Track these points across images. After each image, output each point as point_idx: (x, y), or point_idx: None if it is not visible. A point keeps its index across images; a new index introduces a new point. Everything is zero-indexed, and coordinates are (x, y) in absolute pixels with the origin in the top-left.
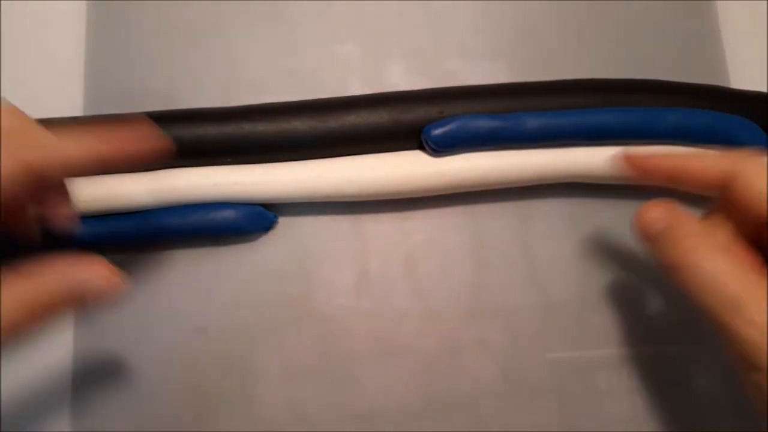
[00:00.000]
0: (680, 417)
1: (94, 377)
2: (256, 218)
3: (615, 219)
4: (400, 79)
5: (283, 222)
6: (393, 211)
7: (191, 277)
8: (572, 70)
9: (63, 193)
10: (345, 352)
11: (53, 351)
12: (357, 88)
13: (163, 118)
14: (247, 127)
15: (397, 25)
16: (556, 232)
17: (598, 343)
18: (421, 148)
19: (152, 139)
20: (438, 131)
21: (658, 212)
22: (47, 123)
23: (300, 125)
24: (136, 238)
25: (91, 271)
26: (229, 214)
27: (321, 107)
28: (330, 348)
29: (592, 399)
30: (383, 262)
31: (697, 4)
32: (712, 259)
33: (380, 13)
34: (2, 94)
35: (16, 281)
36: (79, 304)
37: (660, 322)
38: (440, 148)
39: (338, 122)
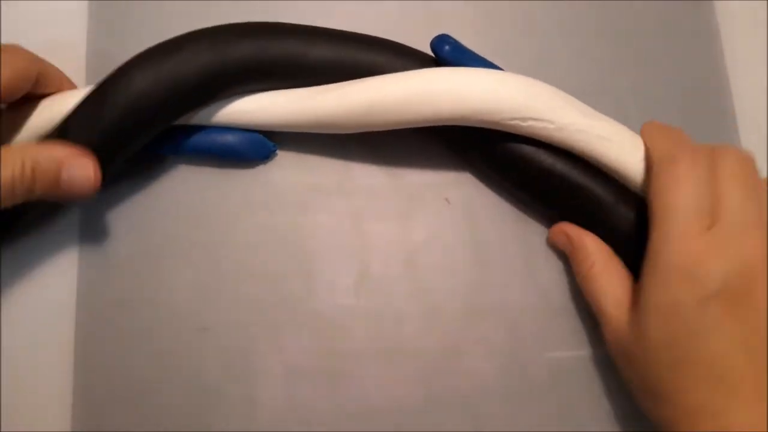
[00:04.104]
0: None
1: (94, 376)
2: (255, 145)
3: None
4: None
5: (284, 222)
6: (393, 211)
7: (192, 276)
8: (572, 70)
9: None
10: (345, 352)
11: (54, 350)
12: None
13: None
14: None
15: (397, 25)
16: None
17: (598, 343)
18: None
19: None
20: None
21: (561, 238)
22: None
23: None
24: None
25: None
26: (229, 138)
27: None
28: (330, 348)
29: (592, 399)
30: (383, 262)
31: (697, 4)
32: (602, 281)
33: (380, 14)
34: None
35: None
36: (60, 186)
37: None
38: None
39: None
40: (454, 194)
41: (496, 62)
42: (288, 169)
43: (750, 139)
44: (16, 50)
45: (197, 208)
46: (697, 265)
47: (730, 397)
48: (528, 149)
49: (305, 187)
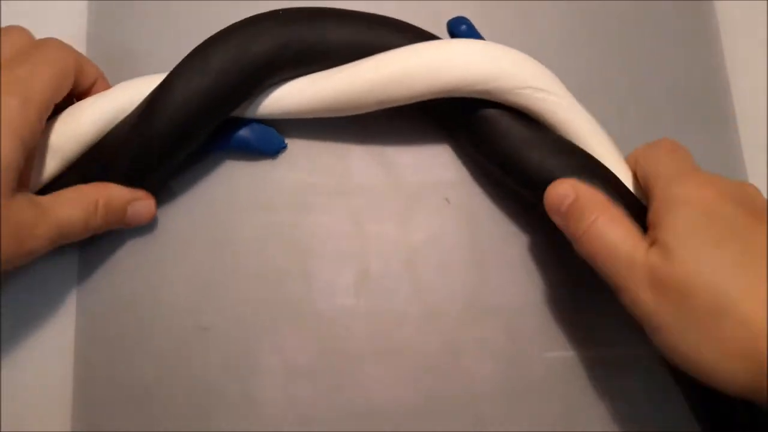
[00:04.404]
0: (681, 416)
1: (94, 376)
2: (268, 138)
3: None
4: None
5: (284, 222)
6: (393, 211)
7: (192, 275)
8: (572, 70)
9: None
10: (345, 352)
11: (54, 350)
12: None
13: None
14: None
15: None
16: (556, 231)
17: (598, 343)
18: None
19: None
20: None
21: (565, 188)
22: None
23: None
24: None
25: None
26: (243, 130)
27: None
28: (330, 348)
29: (591, 399)
30: (383, 262)
31: (697, 4)
32: (611, 229)
33: (380, 13)
34: None
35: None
36: (125, 220)
37: None
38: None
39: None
40: (454, 194)
41: None
42: (288, 169)
43: (750, 139)
44: (58, 45)
45: (197, 208)
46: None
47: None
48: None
49: (305, 187)
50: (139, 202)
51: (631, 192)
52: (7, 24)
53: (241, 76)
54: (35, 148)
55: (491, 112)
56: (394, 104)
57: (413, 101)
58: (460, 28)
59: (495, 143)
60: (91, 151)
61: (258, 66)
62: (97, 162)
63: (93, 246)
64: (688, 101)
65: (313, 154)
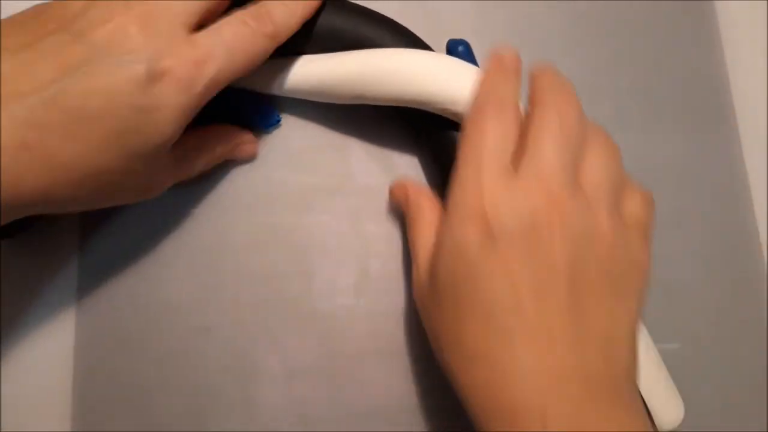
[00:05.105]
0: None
1: (95, 376)
2: (264, 112)
3: None
4: None
5: (284, 222)
6: (393, 211)
7: (192, 276)
8: (572, 70)
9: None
10: (345, 352)
11: (54, 350)
12: None
13: None
14: None
15: None
16: None
17: None
18: None
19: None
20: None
21: (399, 191)
22: None
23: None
24: None
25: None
26: (241, 101)
27: None
28: (330, 348)
29: None
30: (383, 262)
31: (697, 4)
32: (423, 229)
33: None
34: None
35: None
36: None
37: (660, 321)
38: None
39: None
40: None
41: None
42: (288, 169)
43: (750, 139)
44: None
45: (197, 208)
46: (487, 206)
47: (508, 344)
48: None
49: (305, 187)
50: (246, 142)
51: None
52: None
53: None
54: None
55: (454, 134)
56: (371, 102)
57: (388, 104)
58: (457, 49)
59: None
60: None
61: None
62: None
63: (93, 246)
64: (688, 101)
65: (313, 154)
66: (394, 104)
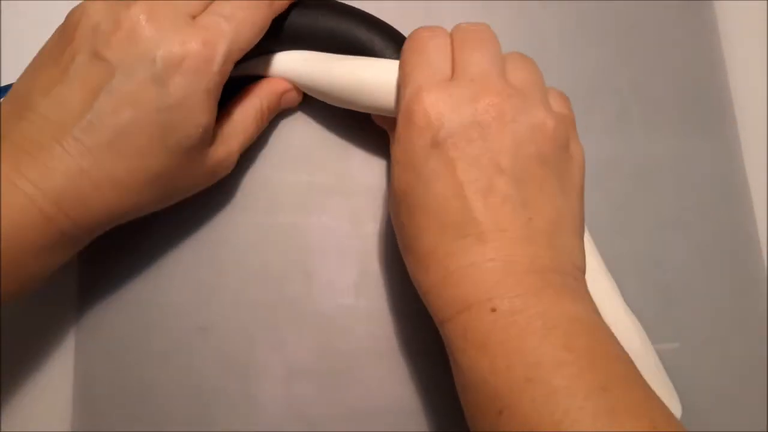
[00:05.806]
0: (682, 416)
1: (94, 377)
2: None
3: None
4: None
5: (284, 222)
6: None
7: (192, 276)
8: (572, 70)
9: None
10: (345, 352)
11: (54, 350)
12: None
13: None
14: None
15: (396, 25)
16: None
17: None
18: None
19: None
20: None
21: (379, 118)
22: None
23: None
24: None
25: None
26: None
27: None
28: (330, 348)
29: None
30: (383, 262)
31: (697, 4)
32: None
33: (380, 13)
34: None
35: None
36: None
37: (660, 321)
38: None
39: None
40: None
41: None
42: (288, 169)
43: (750, 139)
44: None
45: (197, 208)
46: (431, 114)
47: (458, 239)
48: None
49: (305, 187)
50: (288, 95)
51: None
52: (7, 24)
53: None
54: None
55: None
56: (356, 109)
57: (374, 112)
58: None
59: None
60: None
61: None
62: None
63: (93, 246)
64: (688, 101)
65: (313, 154)
66: (377, 113)
